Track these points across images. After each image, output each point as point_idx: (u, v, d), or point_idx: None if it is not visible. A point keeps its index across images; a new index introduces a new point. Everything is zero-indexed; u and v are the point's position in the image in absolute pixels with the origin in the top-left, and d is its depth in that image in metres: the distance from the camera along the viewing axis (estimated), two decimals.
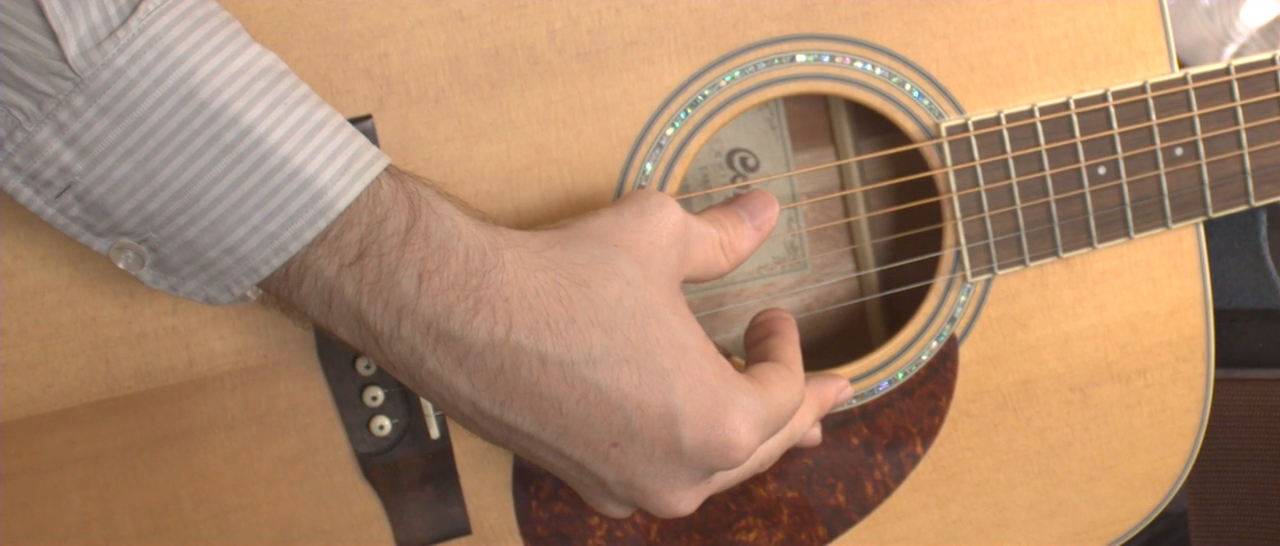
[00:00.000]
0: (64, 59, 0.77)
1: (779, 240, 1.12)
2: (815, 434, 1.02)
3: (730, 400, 0.88)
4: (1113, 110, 1.05)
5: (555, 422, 0.86)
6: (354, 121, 0.92)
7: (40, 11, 0.76)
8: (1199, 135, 1.07)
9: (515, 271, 0.85)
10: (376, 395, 0.96)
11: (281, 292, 0.85)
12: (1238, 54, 1.25)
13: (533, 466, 1.01)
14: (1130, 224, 1.07)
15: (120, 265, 0.83)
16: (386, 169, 0.84)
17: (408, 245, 0.83)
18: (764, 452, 0.95)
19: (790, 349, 0.97)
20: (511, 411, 0.86)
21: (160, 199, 0.80)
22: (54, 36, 0.77)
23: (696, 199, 1.10)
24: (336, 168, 0.81)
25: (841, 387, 1.02)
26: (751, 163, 1.12)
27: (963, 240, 1.05)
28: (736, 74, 0.99)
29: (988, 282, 1.07)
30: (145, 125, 0.78)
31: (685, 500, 0.91)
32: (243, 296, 0.85)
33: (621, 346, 0.86)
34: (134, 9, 0.78)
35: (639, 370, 0.86)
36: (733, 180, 1.11)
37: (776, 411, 0.91)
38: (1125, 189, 1.07)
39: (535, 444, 0.88)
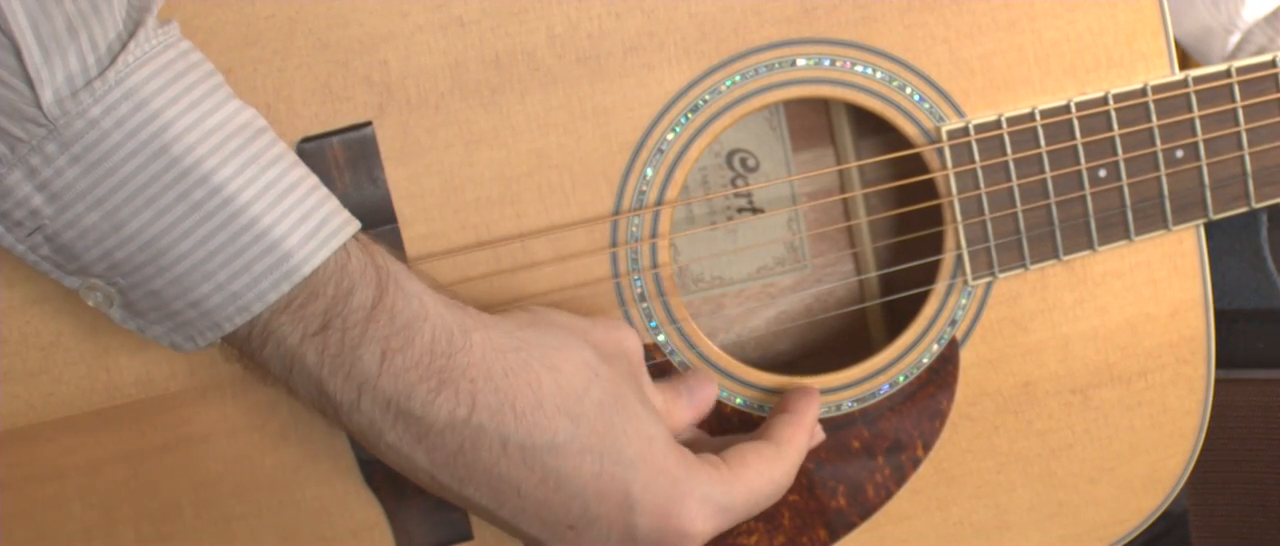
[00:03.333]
0: (39, 106, 0.77)
1: (780, 242, 1.12)
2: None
3: (689, 490, 0.90)
4: (1113, 113, 1.05)
5: (512, 503, 0.87)
6: (354, 128, 0.92)
7: (18, 57, 0.75)
8: (1200, 137, 1.07)
9: (483, 352, 0.86)
10: None
11: (245, 350, 0.85)
12: (1242, 42, 1.25)
13: None
14: (1131, 226, 1.07)
15: (89, 303, 0.84)
16: (356, 238, 0.84)
17: (372, 321, 0.83)
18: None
19: (790, 429, 0.99)
20: (469, 488, 0.87)
21: (127, 250, 0.80)
22: (30, 83, 0.76)
23: (697, 204, 1.10)
24: (305, 231, 0.81)
25: (817, 436, 1.04)
26: (751, 163, 1.11)
27: (963, 243, 1.05)
28: (737, 78, 0.99)
29: (989, 285, 1.07)
30: (116, 177, 0.78)
31: None
32: (210, 345, 0.85)
33: (587, 435, 0.87)
34: (113, 60, 0.77)
35: (601, 460, 0.87)
36: (733, 181, 1.11)
37: (743, 495, 0.93)
38: (1126, 191, 1.07)
39: (492, 518, 0.89)
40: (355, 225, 0.84)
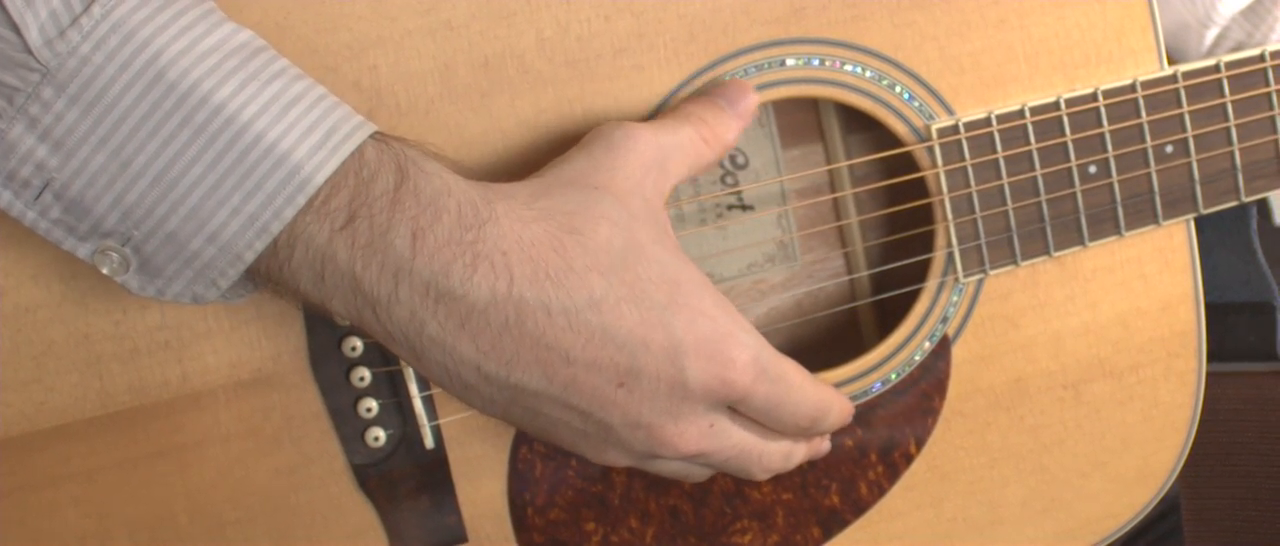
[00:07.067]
0: (28, 50, 0.77)
1: (770, 241, 1.12)
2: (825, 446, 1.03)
3: (729, 331, 0.89)
4: (1103, 109, 1.05)
5: (563, 374, 0.86)
6: None
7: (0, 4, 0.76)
8: (1189, 132, 1.08)
9: (510, 224, 0.85)
10: (371, 407, 0.96)
11: (272, 270, 0.84)
12: (1220, 37, 1.25)
13: (528, 473, 1.01)
14: (1121, 222, 1.08)
15: (104, 271, 0.83)
16: (372, 136, 0.83)
17: (398, 204, 0.82)
18: (770, 453, 0.96)
19: (828, 387, 0.99)
20: (518, 370, 0.85)
21: (138, 188, 0.80)
22: (15, 28, 0.76)
23: (688, 208, 1.10)
24: (313, 141, 0.81)
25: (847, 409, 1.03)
26: (740, 160, 1.11)
27: (954, 241, 1.05)
28: (726, 79, 0.99)
29: (980, 282, 1.07)
30: (116, 112, 0.78)
31: (686, 434, 0.91)
32: (232, 293, 0.85)
33: (619, 286, 0.86)
34: None
35: (639, 307, 0.86)
36: (722, 178, 1.11)
37: (778, 369, 0.92)
38: (1116, 187, 1.07)
39: (541, 400, 0.87)
40: (369, 128, 0.83)
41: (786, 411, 0.94)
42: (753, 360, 0.90)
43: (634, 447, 0.91)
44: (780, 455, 0.98)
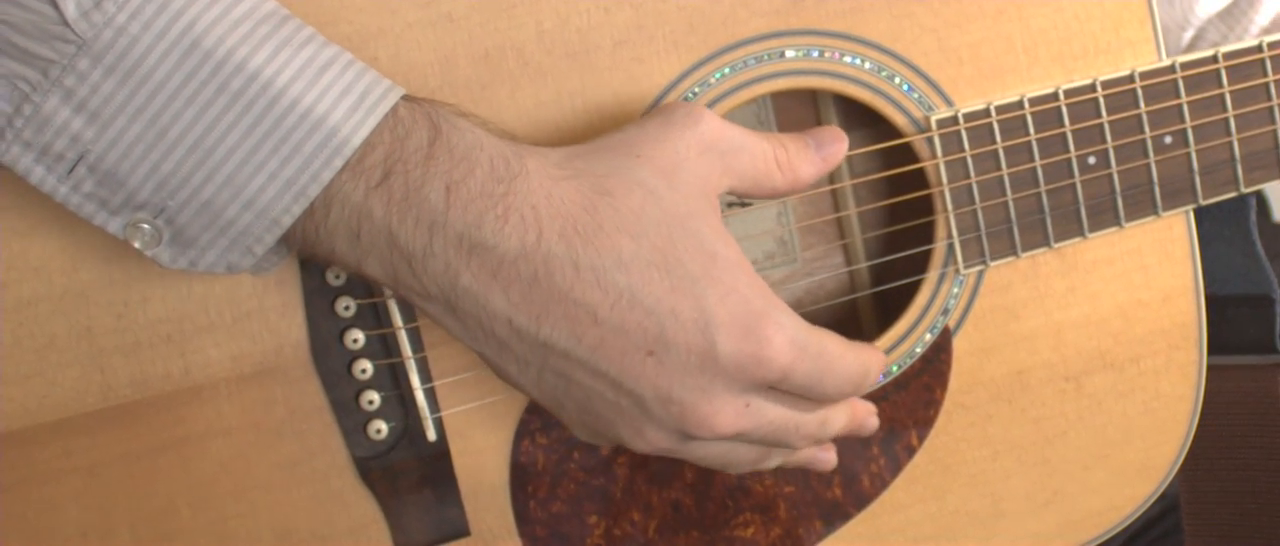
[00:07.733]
0: (65, 22, 0.78)
1: (768, 235, 1.12)
2: (872, 422, 1.02)
3: (764, 311, 0.88)
4: (1102, 100, 1.06)
5: (591, 334, 0.85)
6: None
7: None
8: (1188, 123, 1.08)
9: (540, 179, 0.85)
10: (373, 399, 0.96)
11: (307, 232, 0.85)
12: (1196, 39, 1.25)
13: (531, 465, 1.01)
14: (1121, 212, 1.08)
15: (136, 245, 0.83)
16: (403, 97, 0.84)
17: (432, 159, 0.83)
18: (806, 423, 0.95)
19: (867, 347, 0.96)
20: (547, 325, 0.85)
21: (174, 157, 0.80)
22: (51, 1, 0.77)
23: None
24: (348, 104, 0.82)
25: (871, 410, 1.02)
26: None
27: (954, 232, 1.05)
28: (726, 71, 1.00)
29: (980, 274, 1.07)
30: (152, 81, 0.79)
31: (721, 413, 0.89)
32: (267, 260, 0.85)
33: (649, 252, 0.86)
34: None
35: (669, 275, 0.86)
36: None
37: (816, 345, 0.90)
38: (1115, 178, 1.07)
39: (571, 363, 0.87)
40: (399, 91, 0.84)
41: (830, 383, 0.93)
42: (790, 340, 0.89)
43: (668, 421, 0.89)
44: (817, 423, 0.96)
